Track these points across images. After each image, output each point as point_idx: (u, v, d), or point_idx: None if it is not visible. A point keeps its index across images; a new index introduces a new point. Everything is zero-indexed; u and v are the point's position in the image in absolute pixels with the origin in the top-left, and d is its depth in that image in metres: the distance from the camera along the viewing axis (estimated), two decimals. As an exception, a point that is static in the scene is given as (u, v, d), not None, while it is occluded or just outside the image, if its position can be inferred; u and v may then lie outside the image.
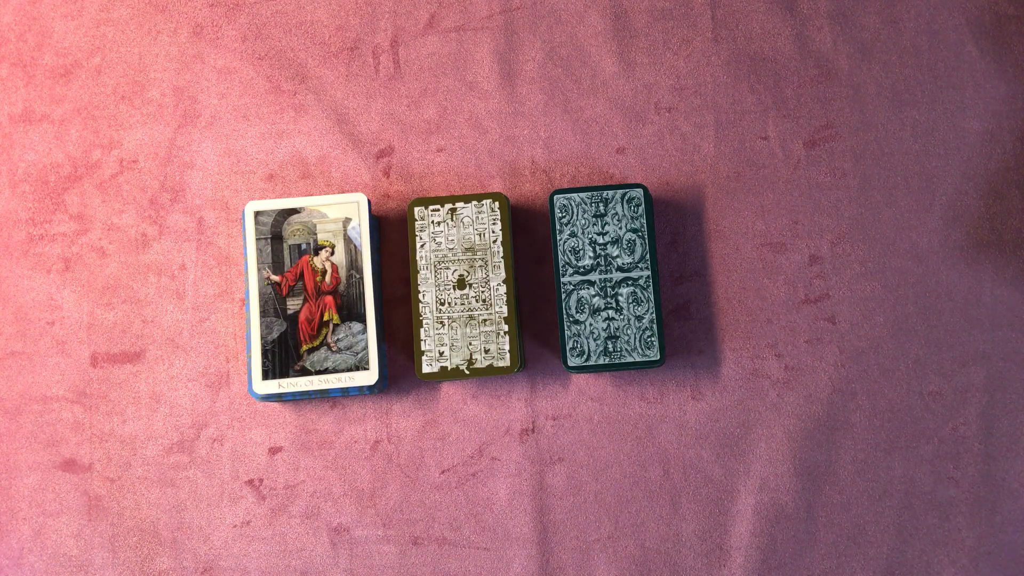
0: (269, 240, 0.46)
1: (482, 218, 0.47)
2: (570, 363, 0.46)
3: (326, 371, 0.46)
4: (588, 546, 0.49)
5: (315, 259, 0.46)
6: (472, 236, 0.47)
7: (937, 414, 0.49)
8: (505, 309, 0.46)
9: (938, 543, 0.49)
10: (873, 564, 0.49)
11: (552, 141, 0.51)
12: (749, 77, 0.51)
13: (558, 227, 0.46)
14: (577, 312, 0.46)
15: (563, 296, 0.46)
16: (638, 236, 0.46)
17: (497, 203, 0.47)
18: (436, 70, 0.51)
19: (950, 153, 0.51)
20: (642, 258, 0.46)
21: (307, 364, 0.46)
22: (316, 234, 0.47)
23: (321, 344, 0.46)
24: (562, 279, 0.46)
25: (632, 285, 0.46)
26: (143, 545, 0.49)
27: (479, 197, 0.48)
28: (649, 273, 0.46)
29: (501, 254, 0.47)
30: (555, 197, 0.47)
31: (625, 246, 0.46)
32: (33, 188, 0.51)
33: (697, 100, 0.51)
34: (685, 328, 0.49)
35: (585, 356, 0.46)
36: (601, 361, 0.46)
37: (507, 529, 0.49)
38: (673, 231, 0.50)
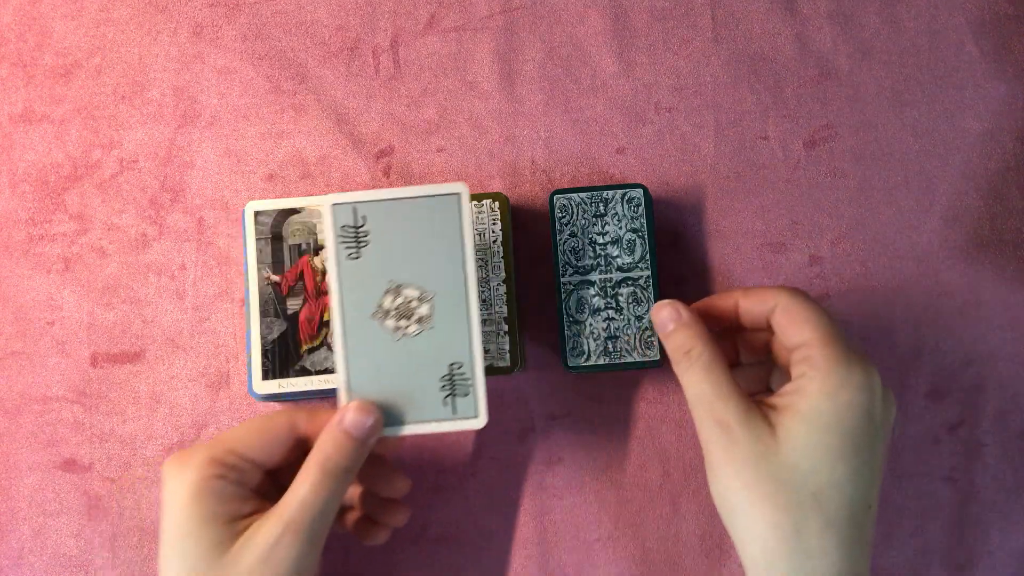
0: (269, 240, 0.46)
1: (482, 218, 0.47)
2: (570, 363, 0.46)
3: (326, 371, 0.46)
4: (588, 546, 0.49)
5: (315, 259, 0.46)
6: (479, 236, 0.47)
7: (937, 415, 0.49)
8: (505, 309, 0.46)
9: (939, 547, 0.49)
10: (873, 564, 0.49)
11: (552, 141, 0.51)
12: (749, 77, 0.51)
13: (558, 227, 0.46)
14: (577, 312, 0.46)
15: (563, 296, 0.46)
16: (638, 236, 0.46)
17: (497, 203, 0.47)
18: (436, 70, 0.51)
19: (950, 153, 0.51)
20: (642, 258, 0.46)
21: (307, 364, 0.46)
22: (316, 234, 0.47)
23: (321, 344, 0.46)
24: (562, 279, 0.46)
25: (632, 285, 0.46)
26: (143, 545, 0.49)
27: (479, 197, 0.48)
28: (649, 273, 0.46)
29: (501, 254, 0.47)
30: (555, 197, 0.47)
31: (625, 246, 0.46)
32: (33, 188, 0.51)
33: (697, 100, 0.51)
34: (685, 328, 0.49)
35: (585, 356, 0.46)
36: (601, 361, 0.46)
37: (507, 529, 0.49)
38: (673, 231, 0.50)
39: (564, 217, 0.46)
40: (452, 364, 0.40)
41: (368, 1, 0.52)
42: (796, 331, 0.38)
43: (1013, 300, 0.50)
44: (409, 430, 0.40)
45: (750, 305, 0.41)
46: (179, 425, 0.49)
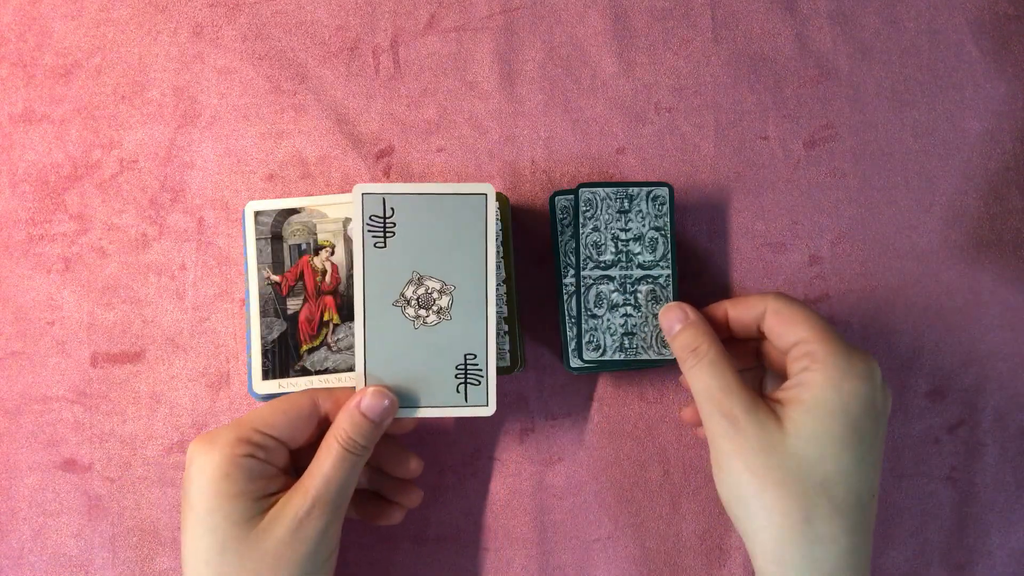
0: (269, 240, 0.46)
1: (482, 218, 0.47)
2: (585, 357, 0.45)
3: (326, 371, 0.46)
4: (588, 546, 0.49)
5: (315, 259, 0.46)
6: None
7: (937, 415, 0.49)
8: (505, 309, 0.46)
9: (939, 547, 0.49)
10: (873, 563, 0.49)
11: (552, 141, 0.51)
12: (749, 77, 0.51)
13: (581, 220, 0.46)
14: (595, 307, 0.46)
15: (582, 290, 0.46)
16: (660, 235, 0.46)
17: (497, 203, 0.47)
18: (436, 70, 0.51)
19: (950, 153, 0.51)
20: (663, 257, 0.46)
21: (307, 364, 0.46)
22: (316, 234, 0.47)
23: (321, 344, 0.46)
24: (582, 272, 0.46)
25: (652, 283, 0.46)
26: (143, 545, 0.49)
27: (479, 197, 0.48)
28: (669, 272, 0.46)
29: (501, 254, 0.47)
30: (580, 190, 0.46)
31: (648, 244, 0.46)
32: (33, 188, 0.51)
33: (697, 100, 0.51)
34: (685, 328, 0.49)
35: (601, 351, 0.45)
36: (617, 357, 0.45)
37: (507, 529, 0.49)
38: (673, 231, 0.50)
39: (588, 211, 0.46)
40: (467, 355, 0.43)
41: (368, 1, 0.52)
42: (790, 331, 0.39)
43: (1013, 300, 0.50)
44: (422, 413, 0.42)
45: (739, 313, 0.42)
46: (179, 425, 0.49)
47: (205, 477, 0.38)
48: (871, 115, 0.51)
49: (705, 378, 0.40)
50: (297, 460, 0.42)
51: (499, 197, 0.47)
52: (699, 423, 0.45)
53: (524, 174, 0.50)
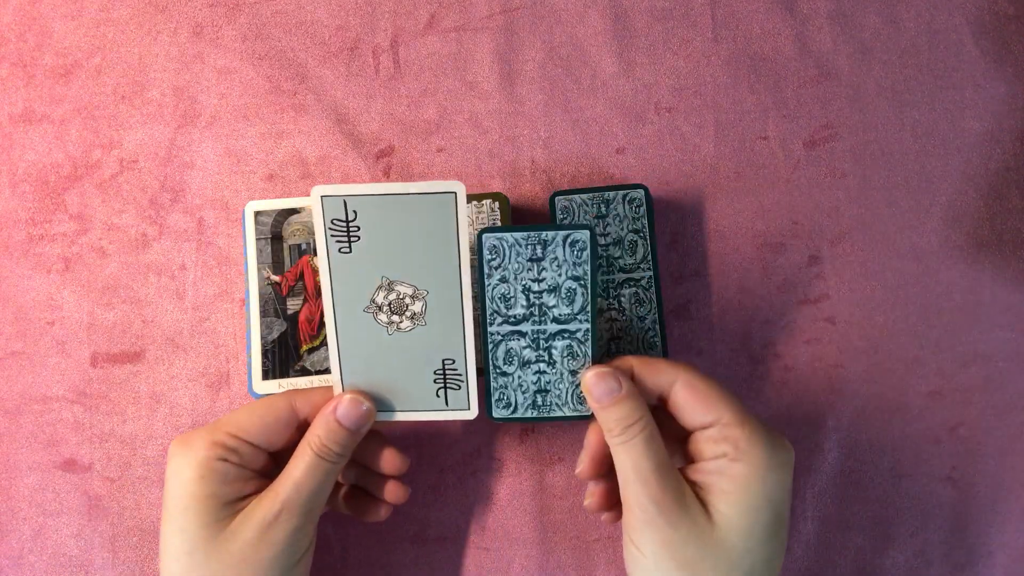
0: (269, 240, 0.46)
1: (482, 218, 0.47)
2: (495, 415, 0.42)
3: (326, 371, 0.46)
4: (588, 546, 0.49)
5: (315, 259, 0.46)
6: (473, 236, 0.47)
7: (937, 415, 0.49)
8: (505, 309, 0.46)
9: (939, 547, 0.49)
10: (873, 564, 0.49)
11: (552, 141, 0.51)
12: (749, 77, 0.51)
13: (487, 271, 0.41)
14: (505, 364, 0.42)
15: (490, 347, 0.41)
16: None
17: (497, 203, 0.47)
18: (436, 70, 0.51)
19: (950, 153, 0.51)
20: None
21: (307, 364, 0.46)
22: (316, 234, 0.46)
23: (321, 344, 0.46)
24: (489, 329, 0.41)
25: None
26: (143, 545, 0.49)
27: (479, 197, 0.48)
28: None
29: (501, 254, 0.47)
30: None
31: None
32: (33, 188, 0.51)
33: (697, 100, 0.51)
34: (685, 328, 0.49)
35: (512, 408, 0.43)
36: (529, 414, 0.42)
37: (507, 529, 0.49)
38: (673, 231, 0.50)
39: (494, 259, 0.41)
40: (445, 360, 0.41)
41: (368, 1, 0.52)
42: (705, 409, 0.38)
43: (1013, 300, 0.50)
44: (402, 417, 0.41)
45: (647, 375, 0.39)
46: (179, 425, 0.49)
47: (179, 478, 0.38)
48: (871, 115, 0.51)
49: (639, 457, 0.37)
50: (279, 461, 0.42)
51: (499, 197, 0.47)
52: (600, 482, 0.42)
53: (524, 174, 0.50)
